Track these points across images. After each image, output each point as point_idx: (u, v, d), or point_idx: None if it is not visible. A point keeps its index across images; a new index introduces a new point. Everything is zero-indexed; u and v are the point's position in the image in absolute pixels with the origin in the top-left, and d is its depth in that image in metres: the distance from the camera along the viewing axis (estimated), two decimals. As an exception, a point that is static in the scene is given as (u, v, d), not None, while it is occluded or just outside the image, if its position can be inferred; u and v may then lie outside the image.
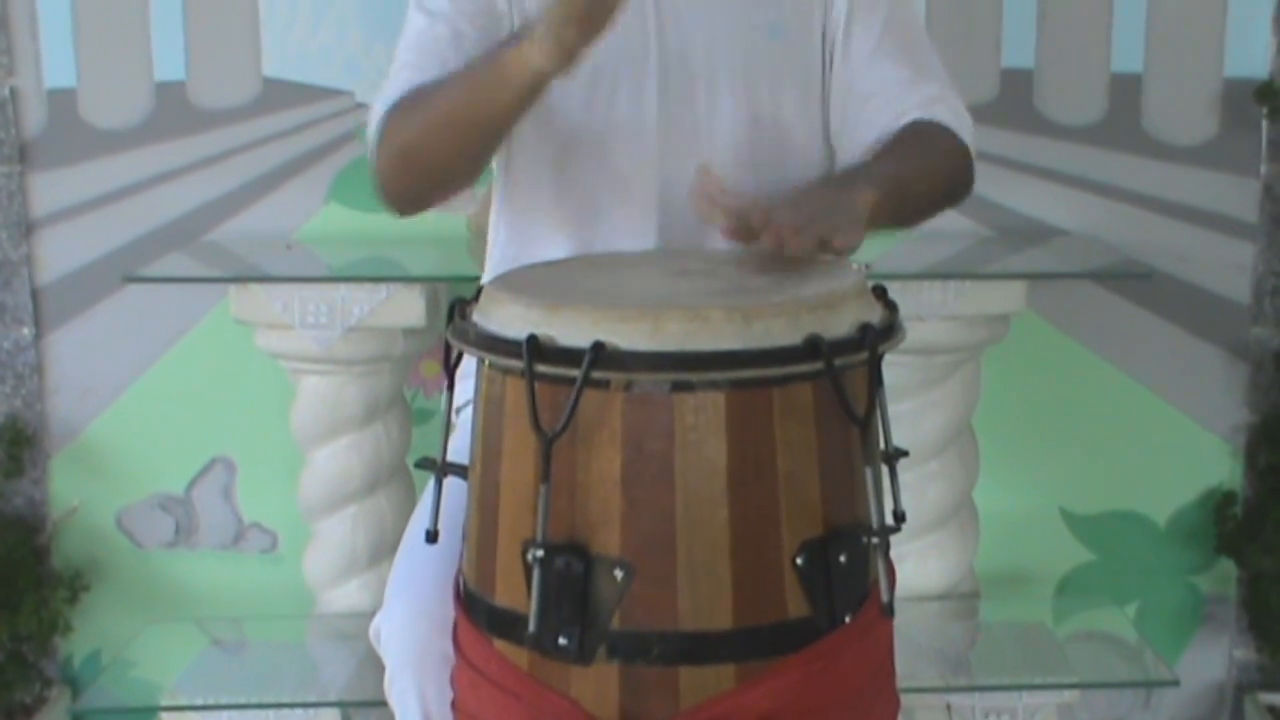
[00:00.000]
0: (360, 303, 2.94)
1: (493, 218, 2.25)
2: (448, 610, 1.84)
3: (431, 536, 1.82)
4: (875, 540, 1.68)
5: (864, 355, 1.64)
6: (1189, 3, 3.21)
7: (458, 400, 1.97)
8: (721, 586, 1.62)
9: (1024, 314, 3.05)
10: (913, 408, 2.99)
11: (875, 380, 1.67)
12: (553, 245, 2.10)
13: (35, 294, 3.25)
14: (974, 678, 2.97)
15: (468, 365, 1.82)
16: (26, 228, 3.22)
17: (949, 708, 2.93)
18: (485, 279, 2.07)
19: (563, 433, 1.58)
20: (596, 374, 1.57)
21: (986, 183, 3.15)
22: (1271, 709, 3.31)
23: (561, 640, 1.63)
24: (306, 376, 3.04)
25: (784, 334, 1.59)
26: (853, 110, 2.12)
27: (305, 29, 3.19)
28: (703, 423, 1.59)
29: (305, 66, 3.20)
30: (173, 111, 3.21)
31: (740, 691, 1.65)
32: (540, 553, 1.60)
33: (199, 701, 2.90)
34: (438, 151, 1.95)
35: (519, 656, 1.69)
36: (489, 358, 1.68)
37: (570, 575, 1.61)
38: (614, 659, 1.64)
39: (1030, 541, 3.34)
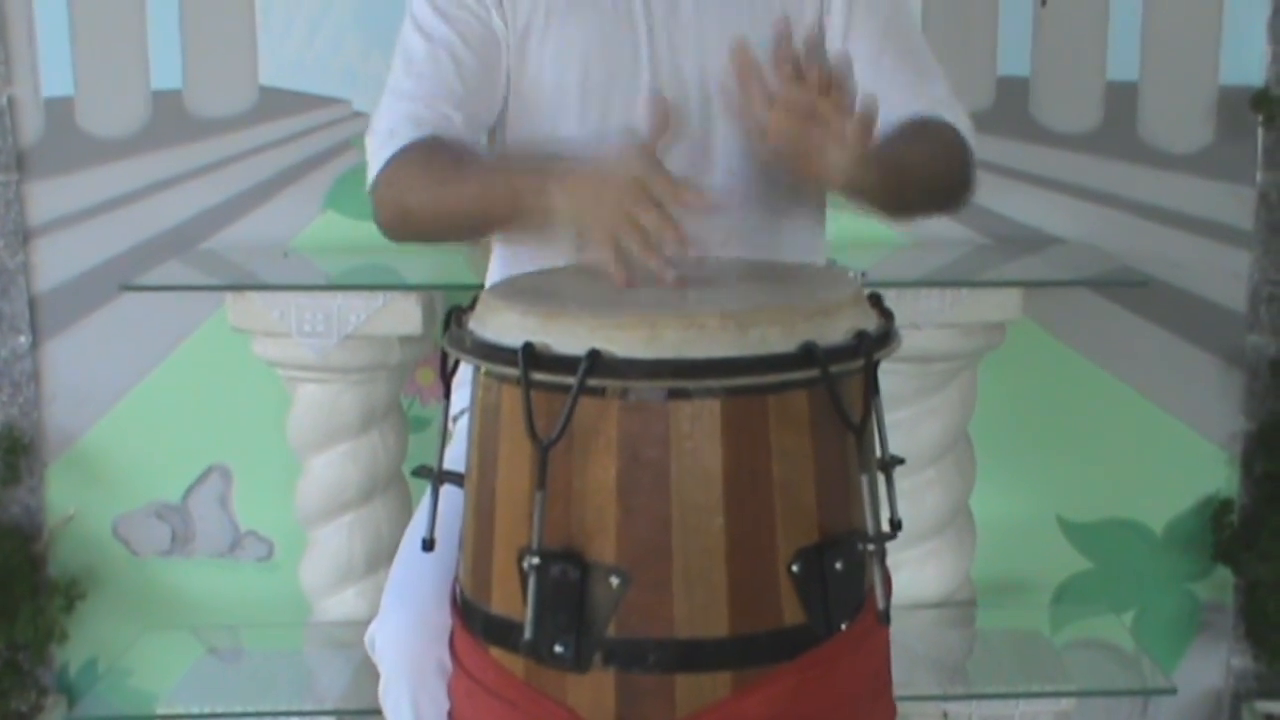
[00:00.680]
0: (357, 310, 2.95)
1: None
2: (444, 619, 1.84)
3: (428, 544, 1.82)
4: (871, 547, 1.68)
5: (860, 362, 1.65)
6: (1184, 11, 3.21)
7: (454, 408, 1.97)
8: (717, 594, 1.62)
9: (1020, 322, 3.06)
10: (909, 415, 2.99)
11: (871, 387, 1.67)
12: (553, 255, 2.10)
13: (32, 302, 3.25)
14: (971, 686, 2.96)
15: (464, 373, 1.82)
16: (23, 236, 3.22)
17: (945, 716, 2.93)
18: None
19: (559, 440, 1.58)
20: (592, 382, 1.57)
21: (983, 191, 3.12)
22: (1269, 717, 3.31)
23: (557, 648, 1.63)
24: (303, 384, 3.04)
25: (779, 341, 1.59)
26: None
27: (302, 37, 3.19)
28: (698, 430, 1.59)
29: (302, 75, 3.21)
30: (170, 120, 3.21)
31: (736, 699, 1.65)
32: (536, 560, 1.60)
33: (195, 710, 2.90)
34: (436, 227, 2.00)
35: (515, 664, 1.69)
36: (485, 365, 1.68)
37: (566, 583, 1.61)
38: (610, 666, 1.64)
39: (1027, 549, 3.34)
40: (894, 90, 2.08)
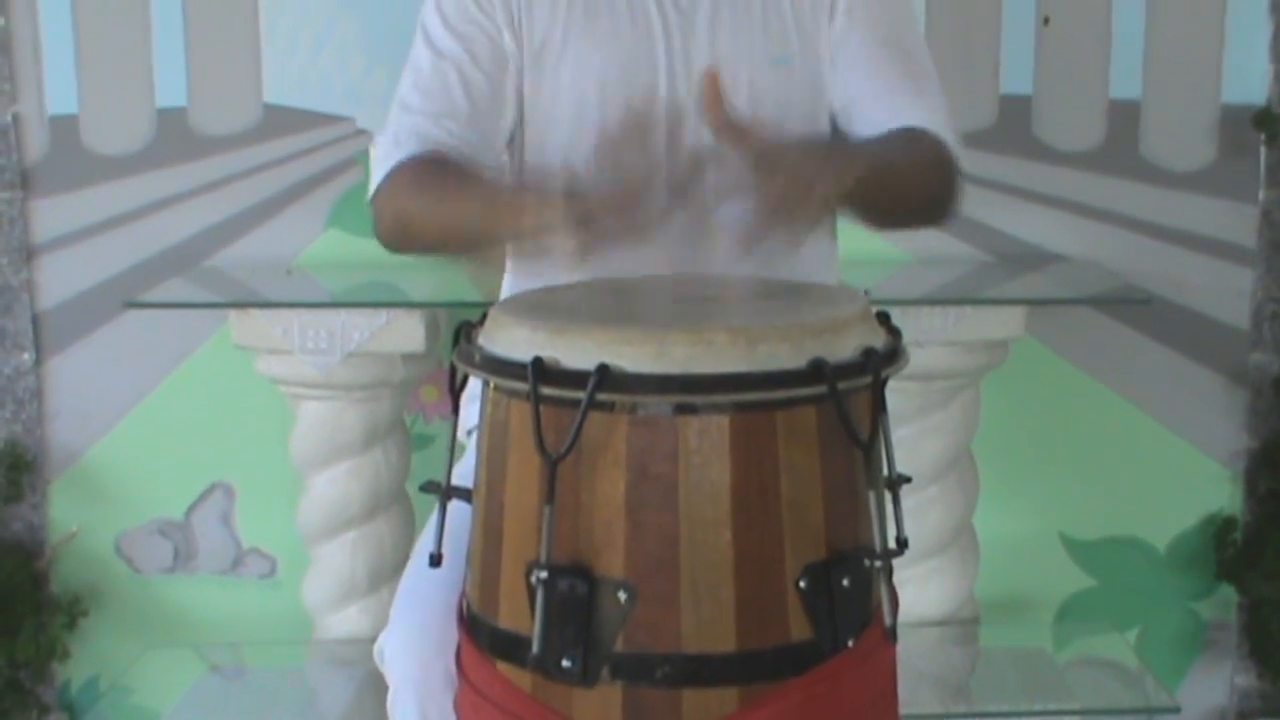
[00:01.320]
0: (360, 328, 2.95)
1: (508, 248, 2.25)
2: (451, 630, 1.83)
3: (436, 560, 1.82)
4: (878, 564, 1.68)
5: (868, 379, 1.65)
6: (1187, 29, 3.22)
7: (462, 426, 1.97)
8: (725, 609, 1.62)
9: (1023, 339, 3.06)
10: (912, 433, 3.00)
11: (879, 405, 1.68)
12: (565, 273, 2.11)
13: (36, 319, 3.25)
14: (974, 704, 2.96)
15: (473, 389, 1.82)
16: (28, 253, 3.23)
17: (949, 734, 2.93)
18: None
19: (567, 455, 1.58)
20: (601, 396, 1.57)
21: (986, 208, 3.19)
22: (1272, 735, 3.31)
23: (565, 662, 1.62)
24: (306, 402, 3.04)
25: (788, 357, 1.59)
26: (846, 117, 2.13)
27: (306, 55, 3.20)
28: (707, 445, 1.59)
29: (306, 92, 3.21)
30: (174, 137, 3.22)
31: (743, 714, 1.65)
32: (544, 574, 1.60)
33: (197, 728, 2.91)
34: (435, 242, 2.00)
35: (522, 679, 1.68)
36: (494, 380, 1.68)
37: (574, 597, 1.60)
38: (617, 681, 1.63)
39: (1030, 567, 3.34)
40: (886, 99, 2.09)
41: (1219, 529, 3.33)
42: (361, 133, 3.18)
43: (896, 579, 1.76)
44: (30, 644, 3.17)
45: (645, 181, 1.75)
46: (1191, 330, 3.30)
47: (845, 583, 1.66)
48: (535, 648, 1.61)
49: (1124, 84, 3.24)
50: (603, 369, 1.56)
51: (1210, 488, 3.36)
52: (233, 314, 3.02)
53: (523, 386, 1.60)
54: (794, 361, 1.59)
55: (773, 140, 1.79)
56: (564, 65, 2.09)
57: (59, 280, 3.25)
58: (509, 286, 2.20)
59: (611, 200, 1.73)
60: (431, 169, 1.99)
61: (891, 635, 1.69)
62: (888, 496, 1.74)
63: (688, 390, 1.58)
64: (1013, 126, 3.23)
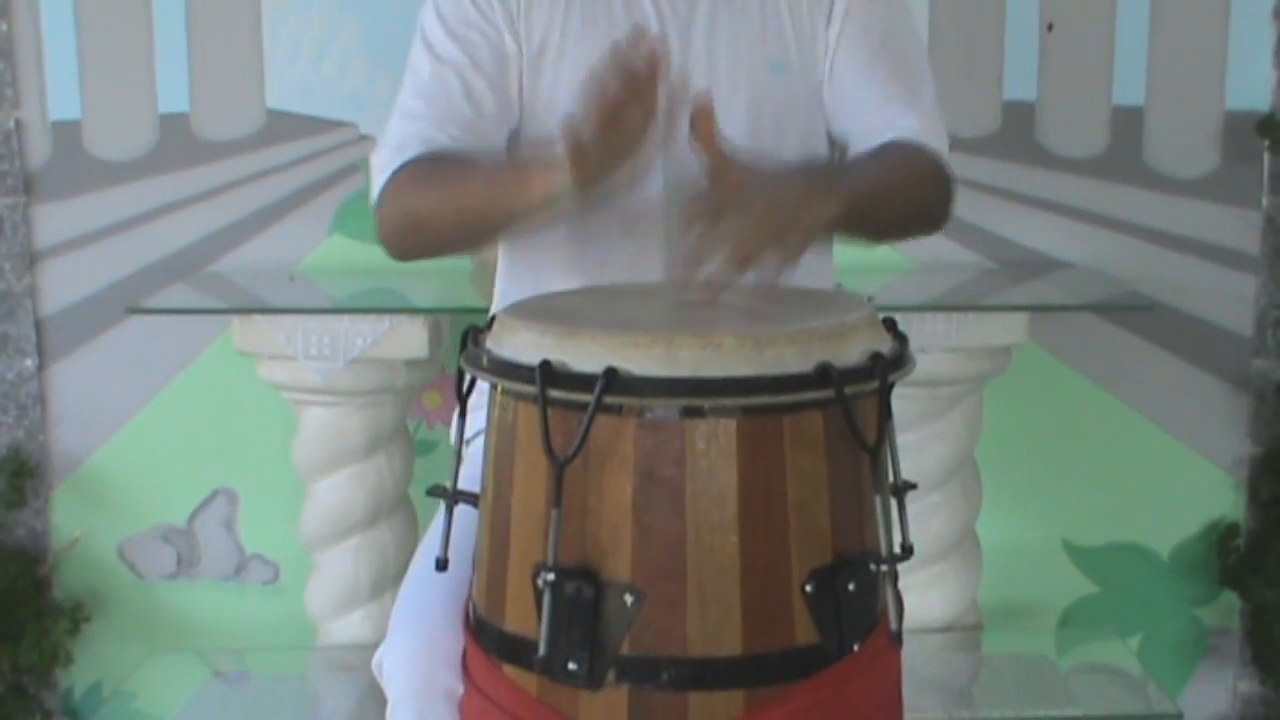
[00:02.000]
0: (363, 334, 2.95)
1: (500, 253, 2.25)
2: (452, 643, 1.83)
3: (442, 564, 1.81)
4: (884, 569, 1.68)
5: (874, 384, 1.65)
6: (1190, 36, 3.23)
7: (468, 431, 1.97)
8: (731, 613, 1.62)
9: (1026, 346, 3.06)
10: (915, 439, 3.00)
11: (885, 410, 1.68)
12: (559, 282, 2.10)
13: (39, 325, 3.25)
14: (976, 710, 2.96)
15: (479, 395, 1.82)
16: (30, 259, 3.23)
17: (952, 740, 2.93)
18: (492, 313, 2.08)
19: (575, 458, 1.58)
20: (609, 399, 1.57)
21: (989, 215, 3.20)
22: (1275, 742, 3.31)
23: (571, 665, 1.62)
24: (309, 408, 3.04)
25: (795, 362, 1.60)
26: (839, 123, 2.13)
27: (309, 61, 3.20)
28: (714, 449, 1.59)
29: (309, 98, 3.22)
30: (177, 143, 3.22)
31: (749, 718, 1.65)
32: (551, 577, 1.60)
33: (200, 733, 2.90)
34: (445, 232, 1.98)
35: (528, 682, 1.68)
36: (502, 383, 1.69)
37: (581, 600, 1.61)
38: (623, 684, 1.63)
39: (1033, 573, 3.34)
40: (877, 108, 2.08)
41: (1222, 535, 3.33)
42: (364, 138, 3.18)
43: (900, 585, 1.75)
44: (33, 650, 3.16)
45: (634, 116, 1.76)
46: (1195, 336, 3.30)
47: (851, 587, 1.67)
48: (541, 650, 1.61)
49: (1127, 90, 3.24)
50: (610, 372, 1.56)
51: (1213, 494, 3.36)
52: (235, 320, 3.02)
53: (530, 389, 1.60)
54: (801, 366, 1.60)
55: (760, 171, 1.79)
56: (562, 69, 2.09)
57: (62, 286, 3.25)
58: (502, 295, 2.19)
59: (603, 124, 1.75)
60: (433, 165, 1.99)
61: (897, 640, 1.69)
62: (893, 502, 1.74)
63: (695, 394, 1.58)
64: (1016, 133, 3.23)
